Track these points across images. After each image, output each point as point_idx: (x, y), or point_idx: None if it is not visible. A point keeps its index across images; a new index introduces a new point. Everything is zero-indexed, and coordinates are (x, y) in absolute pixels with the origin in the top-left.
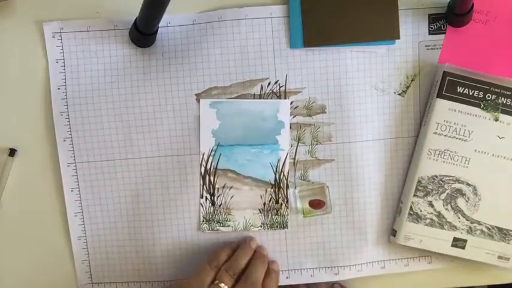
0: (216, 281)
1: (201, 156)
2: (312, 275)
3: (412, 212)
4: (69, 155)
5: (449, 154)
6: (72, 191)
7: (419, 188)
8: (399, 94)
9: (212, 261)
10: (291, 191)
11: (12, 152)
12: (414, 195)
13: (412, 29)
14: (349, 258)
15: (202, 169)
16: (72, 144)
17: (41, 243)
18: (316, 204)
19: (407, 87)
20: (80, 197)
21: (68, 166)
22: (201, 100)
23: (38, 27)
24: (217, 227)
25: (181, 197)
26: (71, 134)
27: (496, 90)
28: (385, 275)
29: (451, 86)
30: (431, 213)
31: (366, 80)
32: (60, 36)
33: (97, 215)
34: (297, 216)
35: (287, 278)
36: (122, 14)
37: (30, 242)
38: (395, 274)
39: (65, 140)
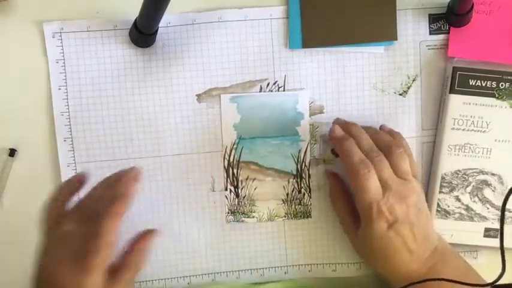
0: None
1: (224, 150)
2: (310, 271)
3: (440, 209)
4: (69, 155)
5: (470, 147)
6: None
7: (444, 184)
8: (400, 94)
9: None
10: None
11: (12, 152)
12: (440, 192)
13: (412, 29)
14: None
15: (226, 162)
16: (72, 144)
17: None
18: None
19: (409, 87)
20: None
21: (68, 166)
22: (221, 96)
23: (38, 27)
24: (243, 218)
25: (187, 198)
26: (71, 134)
27: (509, 77)
28: None
29: (462, 80)
30: (459, 207)
31: (364, 81)
32: (60, 36)
33: None
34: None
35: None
36: (122, 14)
37: (29, 242)
38: None
39: (65, 140)
